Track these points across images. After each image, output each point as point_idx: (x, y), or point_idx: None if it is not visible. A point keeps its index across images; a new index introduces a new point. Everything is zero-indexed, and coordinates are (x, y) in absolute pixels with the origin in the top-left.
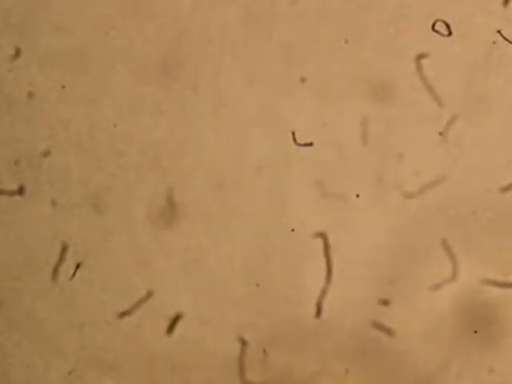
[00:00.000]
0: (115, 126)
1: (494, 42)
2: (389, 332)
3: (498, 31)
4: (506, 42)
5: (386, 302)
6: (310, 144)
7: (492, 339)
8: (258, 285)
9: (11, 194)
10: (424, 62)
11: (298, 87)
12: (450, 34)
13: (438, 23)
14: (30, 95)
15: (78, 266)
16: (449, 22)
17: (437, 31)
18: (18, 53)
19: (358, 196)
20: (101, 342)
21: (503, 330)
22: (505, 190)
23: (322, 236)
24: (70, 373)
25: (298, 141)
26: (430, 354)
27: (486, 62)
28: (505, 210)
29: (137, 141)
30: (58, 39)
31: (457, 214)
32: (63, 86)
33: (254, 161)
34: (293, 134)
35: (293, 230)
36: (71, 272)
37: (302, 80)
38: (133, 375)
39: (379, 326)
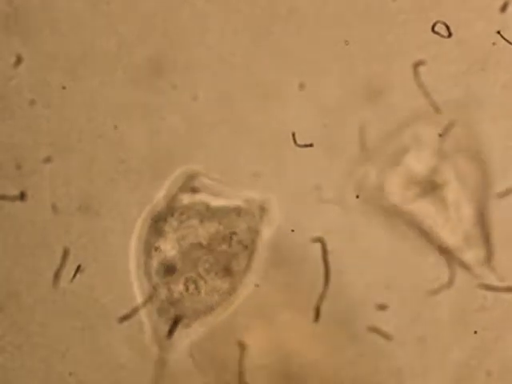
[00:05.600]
0: (115, 133)
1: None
2: (386, 336)
3: (498, 32)
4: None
5: (383, 307)
6: (311, 145)
7: (489, 343)
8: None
9: (13, 199)
10: (421, 67)
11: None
12: (450, 35)
13: (438, 25)
14: (32, 102)
15: (77, 269)
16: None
17: (437, 33)
18: (19, 60)
19: (355, 201)
20: (101, 346)
21: (499, 333)
22: (502, 195)
23: (321, 241)
24: (70, 375)
25: (299, 142)
26: (427, 358)
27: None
28: (501, 215)
29: (136, 147)
30: (60, 46)
31: None
32: (64, 92)
33: (252, 166)
34: (293, 135)
35: (293, 231)
36: (72, 276)
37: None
38: (133, 378)
39: (376, 331)
